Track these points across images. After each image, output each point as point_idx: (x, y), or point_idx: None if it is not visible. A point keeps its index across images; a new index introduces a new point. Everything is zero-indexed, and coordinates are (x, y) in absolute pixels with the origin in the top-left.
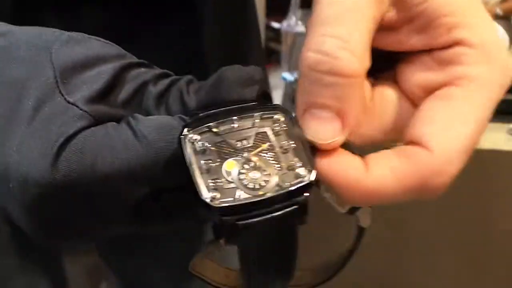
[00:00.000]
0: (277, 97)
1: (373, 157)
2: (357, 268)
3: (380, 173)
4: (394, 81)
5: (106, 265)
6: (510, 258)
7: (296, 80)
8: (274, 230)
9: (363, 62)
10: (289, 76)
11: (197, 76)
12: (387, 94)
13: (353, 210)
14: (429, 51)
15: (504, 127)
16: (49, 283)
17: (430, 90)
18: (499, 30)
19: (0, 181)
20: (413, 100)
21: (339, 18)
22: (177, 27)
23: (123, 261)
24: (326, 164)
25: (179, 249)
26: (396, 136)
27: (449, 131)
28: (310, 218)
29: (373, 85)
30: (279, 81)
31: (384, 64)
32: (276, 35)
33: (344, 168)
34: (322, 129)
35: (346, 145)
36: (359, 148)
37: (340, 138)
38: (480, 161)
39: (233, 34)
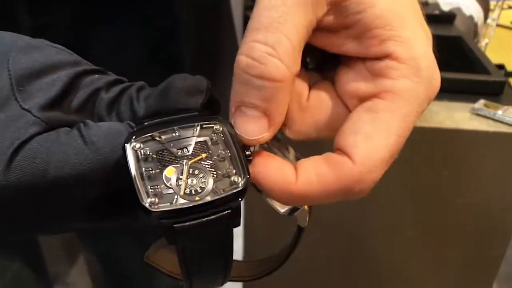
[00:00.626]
0: None
1: (303, 163)
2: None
3: (307, 179)
4: (332, 83)
5: (78, 240)
6: (469, 230)
7: None
8: (210, 232)
9: (291, 67)
10: None
11: (171, 57)
12: (324, 96)
13: (292, 211)
14: (363, 59)
15: (467, 106)
16: (23, 259)
17: (361, 99)
18: (473, 6)
19: None
20: (346, 104)
21: (270, 25)
22: (152, 7)
23: (94, 238)
24: (258, 170)
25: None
26: (329, 135)
27: (371, 143)
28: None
29: (313, 84)
30: None
31: (330, 61)
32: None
33: (274, 173)
34: (250, 126)
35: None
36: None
37: (266, 135)
38: (443, 140)
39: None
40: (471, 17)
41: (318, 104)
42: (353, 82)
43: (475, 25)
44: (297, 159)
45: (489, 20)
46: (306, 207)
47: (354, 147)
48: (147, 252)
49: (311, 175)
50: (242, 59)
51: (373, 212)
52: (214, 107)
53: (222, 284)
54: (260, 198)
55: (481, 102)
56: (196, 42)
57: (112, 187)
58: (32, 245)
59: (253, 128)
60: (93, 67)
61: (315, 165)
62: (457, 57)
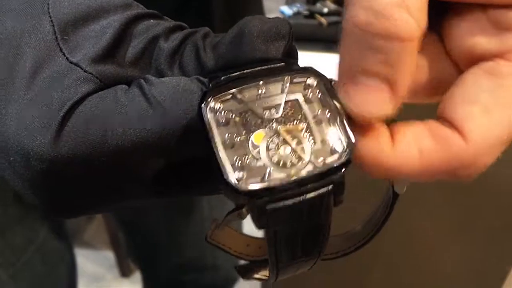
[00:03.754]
0: None
1: (401, 129)
2: None
3: (406, 151)
4: (438, 34)
5: None
6: (500, 202)
7: (295, 14)
8: (308, 212)
9: (421, 22)
10: (287, 10)
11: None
12: (426, 51)
13: None
14: (486, 6)
15: None
16: (48, 229)
17: (477, 58)
18: None
19: (0, 154)
20: (456, 62)
21: None
22: None
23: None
24: (363, 137)
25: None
26: (428, 99)
27: (490, 118)
28: None
29: None
30: (276, 14)
31: (435, 8)
32: None
33: (372, 143)
34: (369, 100)
35: None
36: None
37: (387, 111)
38: None
39: None
40: None
41: (419, 60)
42: (469, 35)
43: None
44: None
45: None
46: None
47: (468, 121)
48: (210, 231)
49: (412, 148)
50: (360, 13)
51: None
52: (294, 56)
53: (310, 269)
54: None
55: None
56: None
57: (182, 157)
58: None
59: (372, 102)
60: (147, 10)
61: (417, 136)
62: None
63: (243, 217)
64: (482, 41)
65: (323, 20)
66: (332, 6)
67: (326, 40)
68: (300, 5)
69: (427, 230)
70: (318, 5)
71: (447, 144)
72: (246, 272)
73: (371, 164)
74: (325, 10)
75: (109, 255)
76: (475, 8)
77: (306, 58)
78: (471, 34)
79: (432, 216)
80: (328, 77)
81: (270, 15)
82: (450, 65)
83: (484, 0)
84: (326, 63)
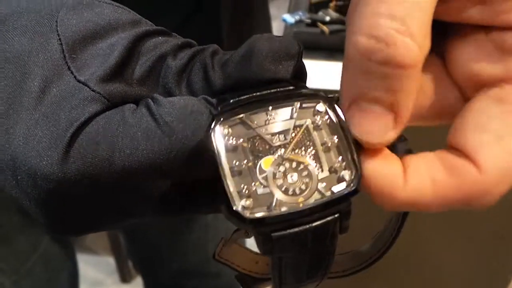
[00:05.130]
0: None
1: (413, 161)
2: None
3: (419, 184)
4: (440, 57)
5: None
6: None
7: (297, 22)
8: (313, 240)
9: (424, 48)
10: (289, 18)
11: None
12: (429, 76)
13: None
14: (488, 29)
15: None
16: (51, 237)
17: (483, 83)
18: None
19: (7, 172)
20: (460, 86)
21: None
22: None
23: None
24: (371, 168)
25: None
26: (433, 123)
27: (503, 146)
28: None
29: None
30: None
31: (436, 31)
32: None
33: (378, 171)
34: (372, 126)
35: None
36: None
37: (391, 136)
38: None
39: None
40: None
41: (423, 85)
42: (473, 61)
43: None
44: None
45: None
46: None
47: (481, 150)
48: (218, 249)
49: (425, 180)
50: (361, 41)
51: None
52: (303, 76)
53: None
54: None
55: None
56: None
57: (190, 178)
58: None
59: (375, 128)
60: (155, 27)
61: (430, 167)
62: None
63: (249, 236)
64: (487, 67)
65: (325, 28)
66: (334, 15)
67: (328, 49)
68: (302, 13)
69: (428, 238)
70: (320, 13)
71: (461, 175)
72: (248, 284)
73: (384, 198)
74: (327, 18)
75: (110, 261)
76: (478, 30)
77: (308, 66)
78: (476, 60)
79: (433, 224)
80: (334, 90)
81: (273, 22)
82: (453, 89)
83: (486, 21)
84: (328, 71)
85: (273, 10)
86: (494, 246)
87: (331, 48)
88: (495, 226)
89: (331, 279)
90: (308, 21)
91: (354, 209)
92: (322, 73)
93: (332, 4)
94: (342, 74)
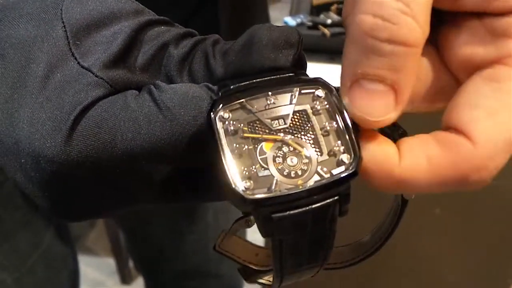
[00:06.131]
0: None
1: (407, 142)
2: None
3: (414, 163)
4: (435, 46)
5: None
6: (502, 212)
7: (298, 25)
8: (313, 222)
9: (425, 29)
10: (291, 21)
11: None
12: (424, 63)
13: None
14: (481, 15)
15: None
16: (53, 235)
17: (476, 67)
18: None
19: (11, 155)
20: (454, 73)
21: None
22: None
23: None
24: (368, 148)
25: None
26: (427, 109)
27: (496, 119)
28: None
29: None
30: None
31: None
32: None
33: (374, 151)
34: (374, 104)
35: None
36: None
37: (392, 115)
38: None
39: None
40: None
41: (418, 71)
42: (467, 45)
43: None
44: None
45: None
46: None
47: (474, 124)
48: (218, 240)
49: (420, 158)
50: (366, 19)
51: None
52: (303, 65)
53: (313, 276)
54: None
55: None
56: (230, 13)
57: (191, 163)
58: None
59: (376, 106)
60: (158, 17)
61: (424, 145)
62: None
63: (250, 225)
64: (480, 50)
65: (327, 31)
66: (336, 17)
67: (329, 51)
68: (304, 16)
69: (428, 243)
70: (322, 16)
71: (455, 149)
72: (249, 275)
73: (379, 178)
74: (329, 21)
75: (110, 262)
76: (471, 17)
77: (309, 69)
78: (469, 44)
79: (433, 229)
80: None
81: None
82: (447, 74)
83: (479, 8)
84: (330, 74)
85: (275, 12)
86: (494, 251)
87: (332, 51)
88: (494, 231)
89: (332, 270)
90: (310, 23)
91: (355, 204)
92: (324, 76)
93: (333, 7)
94: (344, 55)
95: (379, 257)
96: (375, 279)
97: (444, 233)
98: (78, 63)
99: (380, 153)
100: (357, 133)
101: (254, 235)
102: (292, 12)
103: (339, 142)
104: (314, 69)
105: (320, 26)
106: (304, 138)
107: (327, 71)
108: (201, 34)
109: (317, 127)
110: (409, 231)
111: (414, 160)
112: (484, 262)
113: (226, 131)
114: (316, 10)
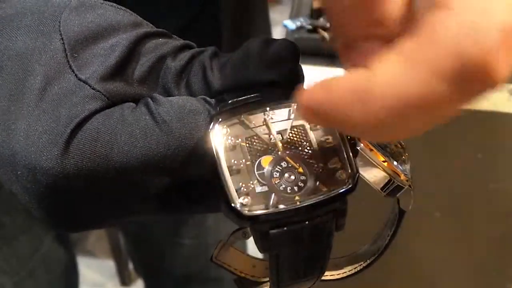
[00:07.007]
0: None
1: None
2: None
3: (390, 67)
4: None
5: None
6: (501, 216)
7: (298, 28)
8: (310, 237)
9: None
10: (291, 24)
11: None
12: None
13: (393, 191)
14: None
15: (506, 87)
16: (53, 239)
17: None
18: None
19: (7, 167)
20: None
21: None
22: None
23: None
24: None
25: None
26: None
27: None
28: None
29: None
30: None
31: None
32: None
33: (346, 81)
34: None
35: None
36: None
37: None
38: (479, 122)
39: None
40: None
41: None
42: None
43: None
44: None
45: None
46: (410, 186)
47: None
48: (215, 251)
49: (393, 58)
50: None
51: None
52: (300, 78)
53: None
54: None
55: None
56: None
57: (188, 177)
58: None
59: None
60: (156, 29)
61: (396, 44)
62: None
63: (247, 237)
64: None
65: (326, 34)
66: None
67: (329, 55)
68: (304, 19)
69: (426, 246)
70: (322, 19)
71: (436, 26)
72: (246, 286)
73: (352, 98)
74: (329, 24)
75: (110, 264)
76: None
77: (309, 72)
78: None
79: (432, 234)
80: None
81: (274, 28)
82: None
83: None
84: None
85: (275, 15)
86: (493, 255)
87: (332, 54)
88: (494, 235)
89: (329, 281)
90: (310, 27)
91: (353, 214)
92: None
93: None
94: None
95: (379, 260)
96: (374, 282)
97: (444, 236)
98: (76, 75)
99: (348, 78)
100: (353, 149)
101: (254, 245)
102: (292, 15)
103: (335, 158)
104: (314, 72)
105: (320, 30)
106: (302, 154)
107: (327, 75)
108: (201, 40)
109: (314, 142)
110: (409, 234)
111: (388, 64)
112: (483, 265)
113: (224, 147)
114: (316, 13)
